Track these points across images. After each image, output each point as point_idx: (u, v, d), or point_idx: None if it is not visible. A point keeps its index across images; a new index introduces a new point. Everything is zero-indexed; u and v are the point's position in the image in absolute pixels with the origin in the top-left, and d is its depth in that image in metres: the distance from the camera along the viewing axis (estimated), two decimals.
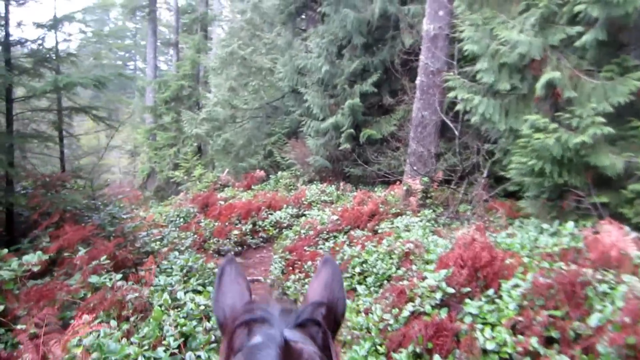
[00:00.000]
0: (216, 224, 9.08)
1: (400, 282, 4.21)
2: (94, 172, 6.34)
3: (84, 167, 6.97)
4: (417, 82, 8.77)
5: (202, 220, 9.51)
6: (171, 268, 4.43)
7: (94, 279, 3.57)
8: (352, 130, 11.09)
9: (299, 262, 5.82)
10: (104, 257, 4.01)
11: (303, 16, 15.47)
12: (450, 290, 3.58)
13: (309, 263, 5.57)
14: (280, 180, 13.02)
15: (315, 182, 12.23)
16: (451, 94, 6.16)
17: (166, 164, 15.95)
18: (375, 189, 10.48)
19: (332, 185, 11.21)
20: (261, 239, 8.77)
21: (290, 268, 5.89)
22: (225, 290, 0.96)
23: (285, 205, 9.56)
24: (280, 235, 8.13)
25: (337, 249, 5.96)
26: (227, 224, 9.00)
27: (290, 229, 8.13)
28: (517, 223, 6.34)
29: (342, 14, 10.88)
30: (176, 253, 4.94)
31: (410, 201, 8.19)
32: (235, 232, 8.58)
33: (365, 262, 5.20)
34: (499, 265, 3.97)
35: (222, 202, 10.94)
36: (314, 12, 13.55)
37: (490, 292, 3.64)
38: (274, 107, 15.54)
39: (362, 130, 11.18)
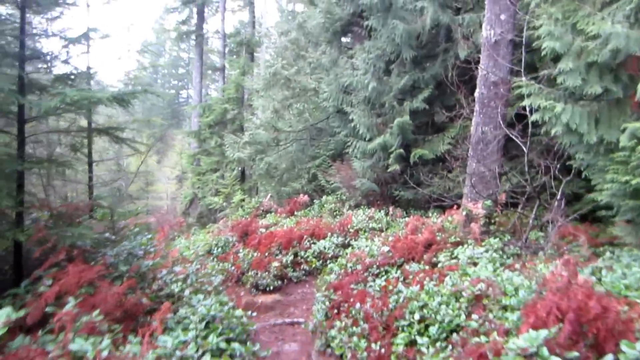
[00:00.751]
0: (255, 254, 8.35)
1: (477, 339, 3.26)
2: (118, 199, 5.70)
3: (110, 194, 6.41)
4: (476, 95, 7.81)
5: (241, 250, 8.82)
6: (189, 318, 3.63)
7: (76, 344, 2.81)
8: (401, 150, 10.18)
9: (346, 305, 4.94)
10: (99, 310, 3.25)
11: (349, 35, 14.86)
12: (554, 359, 2.61)
13: (357, 306, 4.67)
14: (325, 205, 12.22)
15: (362, 207, 11.36)
16: (524, 103, 5.20)
17: (208, 189, 15.53)
18: (430, 214, 9.50)
19: (381, 211, 10.30)
20: (303, 272, 7.95)
21: (335, 312, 5.00)
22: None
23: (329, 234, 8.72)
24: (324, 269, 7.27)
25: (390, 287, 5.05)
26: (266, 254, 8.24)
27: (336, 261, 7.24)
28: (608, 254, 5.24)
29: (391, 26, 10.12)
30: (200, 297, 4.16)
31: (471, 228, 7.16)
32: (275, 264, 7.80)
33: (425, 306, 4.27)
34: (614, 319, 2.97)
35: (263, 230, 10.23)
36: (360, 28, 12.86)
37: (608, 359, 2.66)
38: (319, 129, 14.87)
39: (412, 150, 10.25)
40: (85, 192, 6.71)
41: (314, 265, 7.97)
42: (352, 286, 5.45)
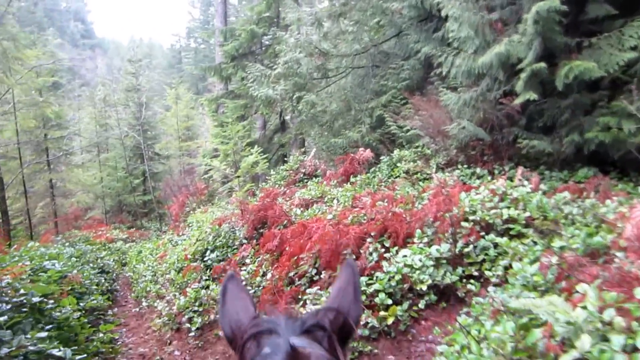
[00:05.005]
0: (269, 273, 4.25)
1: None
2: None
3: None
4: None
5: (248, 259, 4.76)
6: None
7: None
8: (541, 64, 5.51)
9: None
10: None
11: None
12: None
13: None
14: (399, 165, 7.84)
15: (459, 166, 7.04)
16: None
17: (233, 144, 11.32)
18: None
19: (498, 172, 5.91)
20: (371, 331, 3.70)
21: None
22: (230, 307, 0.96)
23: (418, 231, 4.37)
24: (421, 324, 3.00)
25: None
26: (291, 275, 4.10)
27: (446, 305, 2.94)
28: None
29: None
30: None
31: None
32: (306, 305, 3.64)
33: None
34: None
35: (298, 212, 6.12)
36: None
37: None
38: (384, 53, 10.23)
39: (561, 66, 5.55)
40: None
41: (390, 319, 3.67)
42: None
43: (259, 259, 5.17)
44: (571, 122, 6.19)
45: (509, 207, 4.23)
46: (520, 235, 4.08)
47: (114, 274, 9.43)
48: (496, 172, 6.86)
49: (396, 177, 7.70)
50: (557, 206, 4.42)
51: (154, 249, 11.30)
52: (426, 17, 8.31)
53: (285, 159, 9.66)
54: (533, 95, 5.61)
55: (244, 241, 5.85)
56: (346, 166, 8.22)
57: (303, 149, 10.57)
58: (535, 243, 3.95)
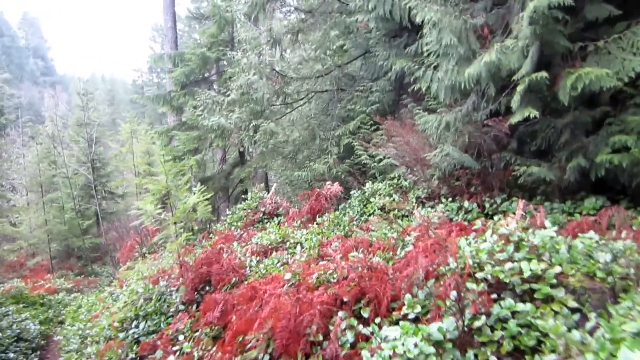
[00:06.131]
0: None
1: None
2: None
3: None
4: None
5: (181, 336, 3.46)
6: None
7: None
8: (543, 74, 4.51)
9: None
10: None
11: None
12: None
13: None
14: (373, 200, 6.70)
15: (444, 200, 6.02)
16: None
17: (186, 181, 9.93)
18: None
19: (488, 204, 4.89)
20: None
21: None
22: None
23: (408, 296, 3.16)
24: None
25: None
26: None
27: None
28: None
29: None
30: None
31: None
32: None
33: None
34: None
35: (253, 261, 4.87)
36: None
37: None
38: (350, 76, 9.23)
39: (565, 75, 4.58)
40: None
41: None
42: None
43: (197, 333, 3.87)
44: (572, 143, 5.24)
45: (529, 260, 3.08)
46: (548, 299, 2.94)
47: (36, 342, 7.82)
48: (487, 205, 5.91)
49: (370, 215, 6.56)
50: (588, 252, 3.32)
51: (94, 303, 9.77)
52: (395, 31, 7.36)
53: (244, 196, 8.41)
54: (533, 112, 4.59)
55: (181, 307, 4.54)
56: (312, 203, 7.03)
57: (262, 184, 9.35)
58: (573, 311, 2.82)
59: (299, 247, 5.31)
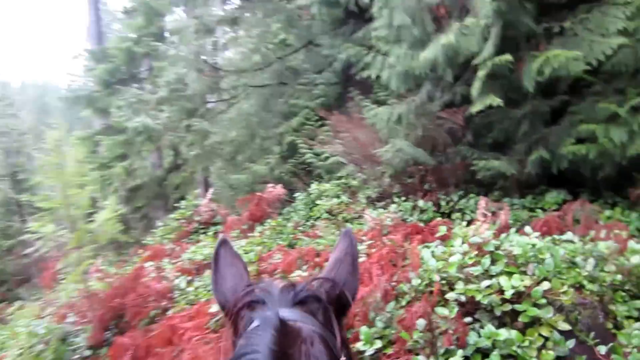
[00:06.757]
0: None
1: None
2: None
3: None
4: None
5: None
6: None
7: None
8: (506, 57, 4.01)
9: None
10: None
11: None
12: None
13: None
14: (319, 203, 6.04)
15: (397, 199, 5.49)
16: None
17: (113, 190, 8.80)
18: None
19: (448, 202, 4.43)
20: None
21: None
22: (223, 274, 0.90)
23: (364, 329, 2.50)
24: None
25: None
26: None
27: None
28: None
29: None
30: None
31: None
32: None
33: None
34: None
35: (177, 294, 4.11)
36: None
37: None
38: (292, 69, 8.55)
39: (528, 59, 4.12)
40: None
41: None
42: None
43: None
44: (531, 135, 4.87)
45: (509, 274, 2.50)
46: (534, 322, 2.37)
47: None
48: (442, 203, 5.47)
49: (316, 219, 5.91)
50: (571, 260, 2.80)
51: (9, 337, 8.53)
52: (341, 19, 6.77)
53: (176, 204, 7.57)
54: (496, 100, 4.10)
55: (87, 352, 3.68)
56: (252, 209, 6.30)
57: (201, 190, 8.46)
58: (566, 336, 2.27)
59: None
